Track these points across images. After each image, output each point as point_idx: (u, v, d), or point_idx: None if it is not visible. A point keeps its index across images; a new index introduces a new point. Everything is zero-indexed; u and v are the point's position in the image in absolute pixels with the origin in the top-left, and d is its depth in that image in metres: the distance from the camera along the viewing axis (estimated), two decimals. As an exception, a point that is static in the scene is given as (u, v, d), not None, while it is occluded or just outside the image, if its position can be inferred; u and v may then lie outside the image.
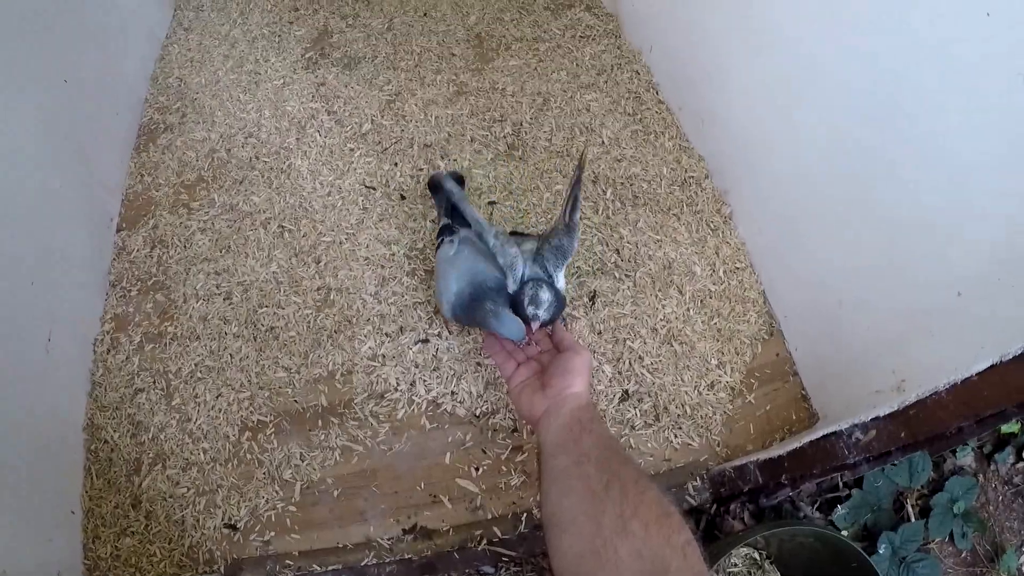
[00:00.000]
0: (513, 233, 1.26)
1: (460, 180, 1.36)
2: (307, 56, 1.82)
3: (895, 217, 0.97)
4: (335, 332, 1.30)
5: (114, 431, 1.20)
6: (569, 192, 1.08)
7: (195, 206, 1.49)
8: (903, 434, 0.89)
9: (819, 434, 1.01)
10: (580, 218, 1.24)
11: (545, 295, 1.02)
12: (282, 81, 1.75)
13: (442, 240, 1.20)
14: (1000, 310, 0.80)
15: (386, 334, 1.29)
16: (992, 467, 1.32)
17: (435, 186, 1.33)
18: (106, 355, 1.29)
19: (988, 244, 0.81)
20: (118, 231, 1.47)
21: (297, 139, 1.61)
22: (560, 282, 1.10)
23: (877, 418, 0.93)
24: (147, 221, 1.47)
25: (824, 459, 0.98)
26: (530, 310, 1.02)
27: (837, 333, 1.14)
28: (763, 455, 1.08)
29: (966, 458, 1.31)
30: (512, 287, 1.06)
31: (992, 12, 0.74)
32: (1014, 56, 0.73)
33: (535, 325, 1.03)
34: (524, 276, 1.07)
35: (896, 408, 0.90)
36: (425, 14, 1.94)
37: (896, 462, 1.10)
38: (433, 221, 1.42)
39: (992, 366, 0.77)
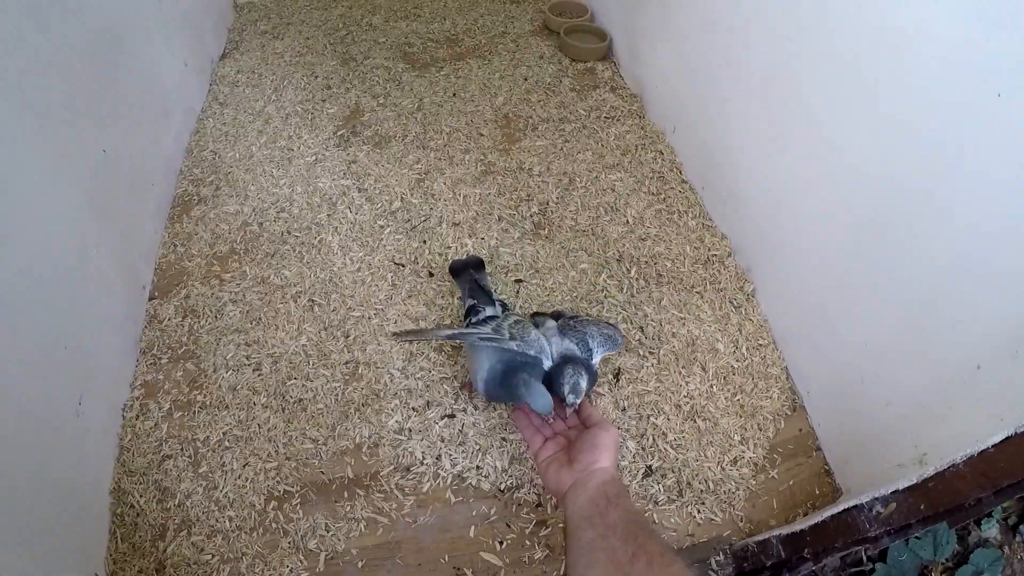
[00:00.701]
0: (536, 314, 1.36)
1: (480, 264, 1.47)
2: (339, 134, 1.98)
3: (915, 293, 1.05)
4: (362, 405, 1.37)
5: (140, 496, 1.25)
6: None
7: (227, 278, 1.60)
8: (922, 506, 0.93)
9: (840, 508, 1.06)
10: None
11: (583, 382, 1.09)
12: (314, 158, 1.90)
13: (470, 320, 1.29)
14: (1018, 381, 0.87)
15: (413, 408, 1.36)
16: (1017, 539, 1.34)
17: (456, 270, 1.44)
18: (135, 421, 1.35)
19: (1007, 317, 0.89)
20: (150, 299, 1.56)
21: (328, 215, 1.73)
22: (595, 359, 1.20)
23: (897, 491, 0.98)
24: (179, 291, 1.57)
25: (846, 532, 1.03)
26: (570, 398, 1.09)
27: (860, 408, 1.20)
28: (785, 529, 1.13)
29: (991, 530, 1.34)
30: (548, 364, 1.15)
31: (1003, 94, 0.85)
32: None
33: (569, 410, 1.11)
34: (555, 355, 1.16)
35: (915, 481, 0.95)
36: (454, 94, 2.12)
37: (917, 535, 1.14)
38: (459, 298, 1.51)
39: (1008, 438, 0.83)
